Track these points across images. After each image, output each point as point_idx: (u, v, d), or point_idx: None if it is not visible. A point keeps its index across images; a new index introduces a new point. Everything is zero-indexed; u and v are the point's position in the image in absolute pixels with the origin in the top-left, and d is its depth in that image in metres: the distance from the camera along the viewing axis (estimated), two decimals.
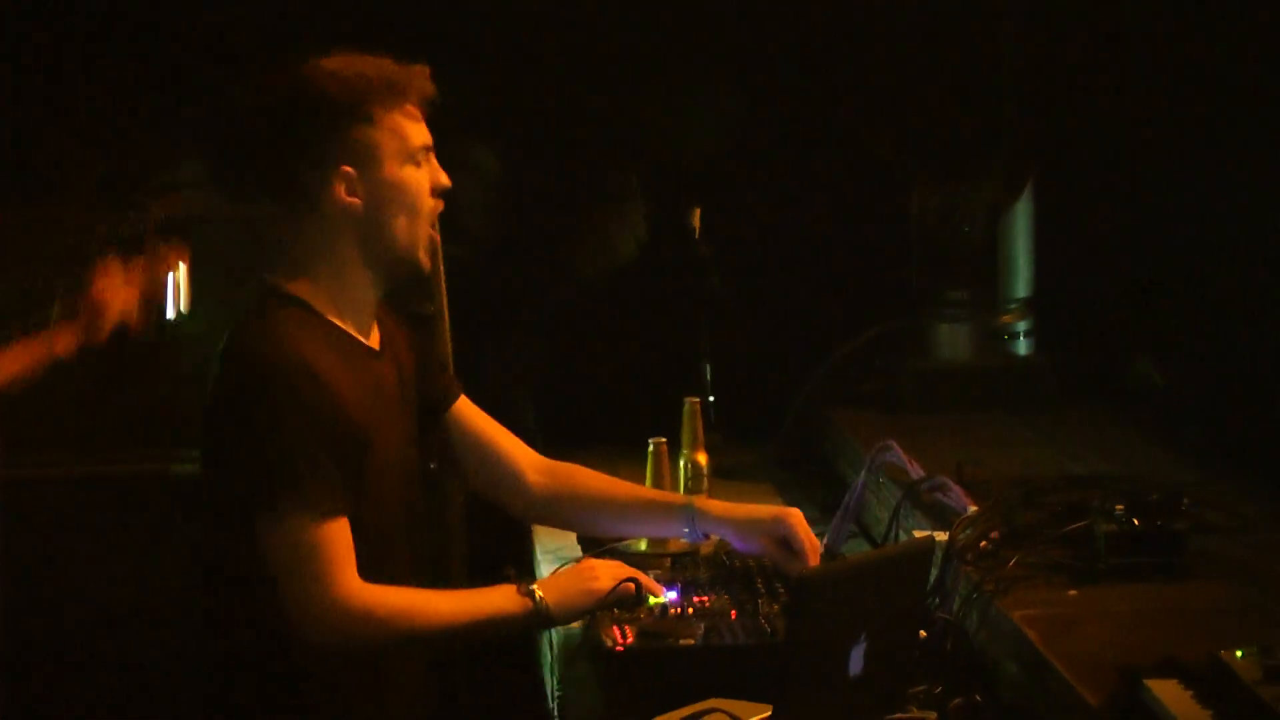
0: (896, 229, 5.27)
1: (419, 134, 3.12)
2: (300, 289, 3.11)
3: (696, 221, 4.93)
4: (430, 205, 3.17)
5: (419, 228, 3.15)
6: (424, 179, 3.14)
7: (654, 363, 5.14)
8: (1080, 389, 5.12)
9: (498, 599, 3.18)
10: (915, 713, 2.88)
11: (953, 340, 5.15)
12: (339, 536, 3.00)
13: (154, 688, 4.87)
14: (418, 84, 3.10)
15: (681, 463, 4.23)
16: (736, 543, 3.60)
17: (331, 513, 2.99)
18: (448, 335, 4.69)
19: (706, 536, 3.67)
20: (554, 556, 4.10)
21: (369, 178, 3.07)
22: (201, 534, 3.19)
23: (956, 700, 3.01)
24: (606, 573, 3.31)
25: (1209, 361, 5.00)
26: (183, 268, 3.81)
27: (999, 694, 3.11)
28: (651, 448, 4.08)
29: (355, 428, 3.05)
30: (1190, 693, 2.72)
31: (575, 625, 3.53)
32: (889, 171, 5.34)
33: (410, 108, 3.11)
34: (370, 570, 3.07)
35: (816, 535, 3.88)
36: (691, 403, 4.31)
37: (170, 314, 3.83)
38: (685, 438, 4.29)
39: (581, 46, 5.45)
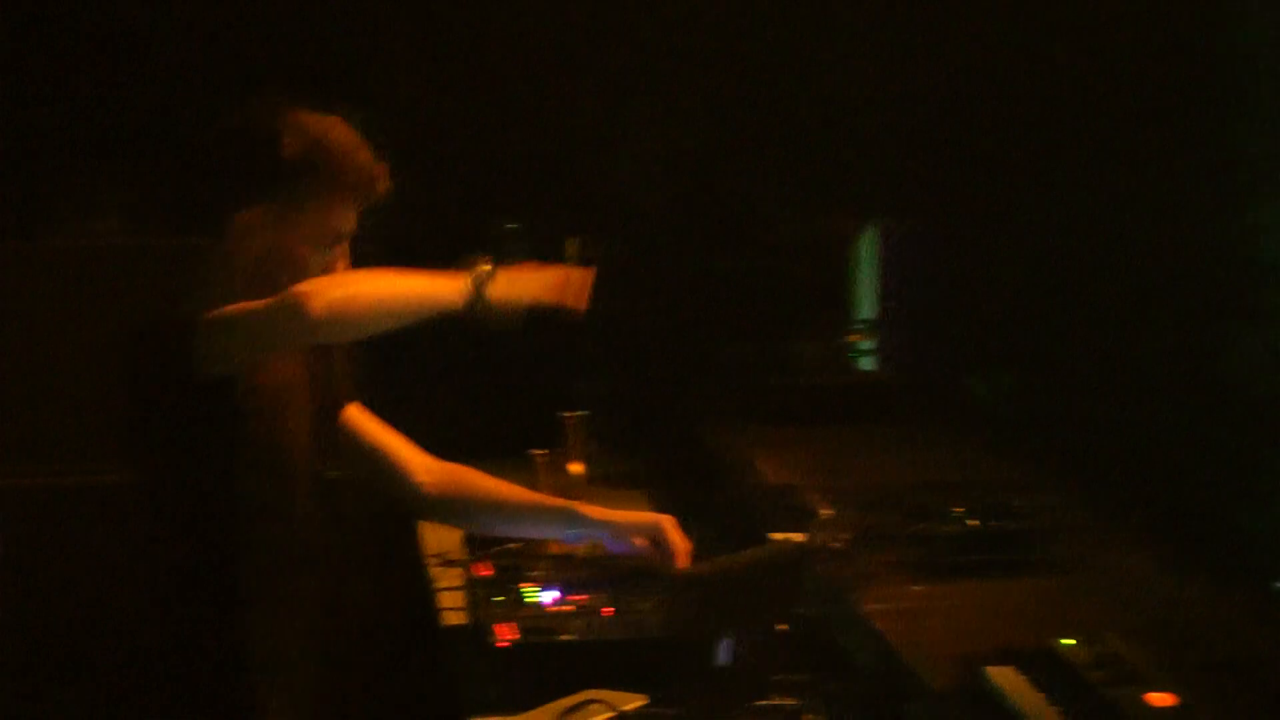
0: (757, 257, 5.31)
1: (344, 221, 3.00)
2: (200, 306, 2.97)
3: (574, 249, 4.94)
4: None
5: None
6: (318, 261, 2.99)
7: (535, 379, 5.15)
8: (921, 403, 5.17)
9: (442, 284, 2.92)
10: (779, 700, 2.90)
11: (805, 358, 5.19)
12: None
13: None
14: (369, 182, 2.99)
15: (561, 473, 4.27)
16: (612, 545, 3.59)
17: None
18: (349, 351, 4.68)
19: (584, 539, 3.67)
20: (439, 560, 4.12)
21: (269, 232, 2.94)
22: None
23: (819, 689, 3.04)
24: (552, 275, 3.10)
25: (1035, 375, 5.09)
26: None
27: (855, 682, 3.15)
28: (534, 460, 4.10)
29: None
30: (1026, 678, 2.78)
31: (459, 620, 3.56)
32: (750, 204, 5.39)
33: (352, 199, 2.99)
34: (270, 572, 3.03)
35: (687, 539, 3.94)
36: (570, 416, 4.34)
37: None
38: (563, 449, 4.32)
39: (464, 96, 5.45)
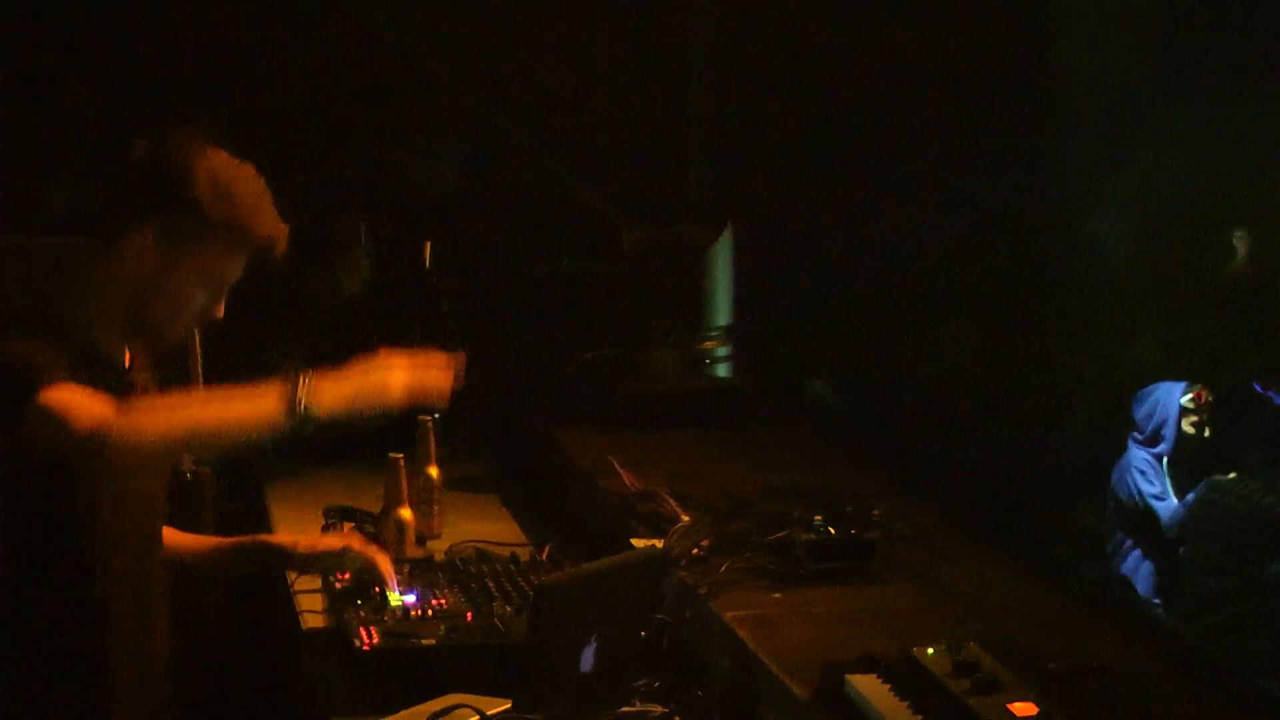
0: (611, 265, 5.29)
1: (230, 270, 2.94)
2: (67, 307, 2.91)
3: (427, 254, 4.91)
4: (189, 322, 2.98)
5: (167, 329, 2.96)
6: (199, 300, 2.93)
7: None
8: (773, 408, 5.18)
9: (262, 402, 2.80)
10: (644, 706, 2.87)
11: (660, 365, 5.18)
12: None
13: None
14: (269, 242, 2.93)
15: (416, 476, 4.21)
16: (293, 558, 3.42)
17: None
18: (199, 356, 4.60)
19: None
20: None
21: (157, 259, 2.87)
22: None
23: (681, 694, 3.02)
24: (398, 378, 2.92)
25: (879, 381, 5.13)
26: None
27: (715, 688, 3.13)
28: (390, 462, 4.03)
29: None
30: (888, 686, 2.77)
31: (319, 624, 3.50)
32: (601, 215, 5.38)
33: (244, 252, 2.93)
34: (98, 576, 2.92)
35: (540, 544, 3.92)
36: (424, 420, 4.29)
37: None
38: (419, 453, 4.26)
39: (319, 103, 5.38)
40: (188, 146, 2.90)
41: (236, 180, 2.92)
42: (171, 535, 3.31)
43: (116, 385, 2.94)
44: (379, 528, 4.01)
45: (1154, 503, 6.17)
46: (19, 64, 5.14)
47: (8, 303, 2.99)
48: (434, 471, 4.28)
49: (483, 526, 4.34)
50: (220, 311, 2.99)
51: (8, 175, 4.91)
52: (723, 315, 5.27)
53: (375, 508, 4.15)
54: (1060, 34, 4.53)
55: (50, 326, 2.87)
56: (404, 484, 4.02)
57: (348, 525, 4.11)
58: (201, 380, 4.65)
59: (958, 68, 4.73)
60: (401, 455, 4.03)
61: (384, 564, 3.43)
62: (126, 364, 3.06)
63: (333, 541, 3.44)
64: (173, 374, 4.42)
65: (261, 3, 5.40)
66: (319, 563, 3.41)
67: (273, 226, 2.95)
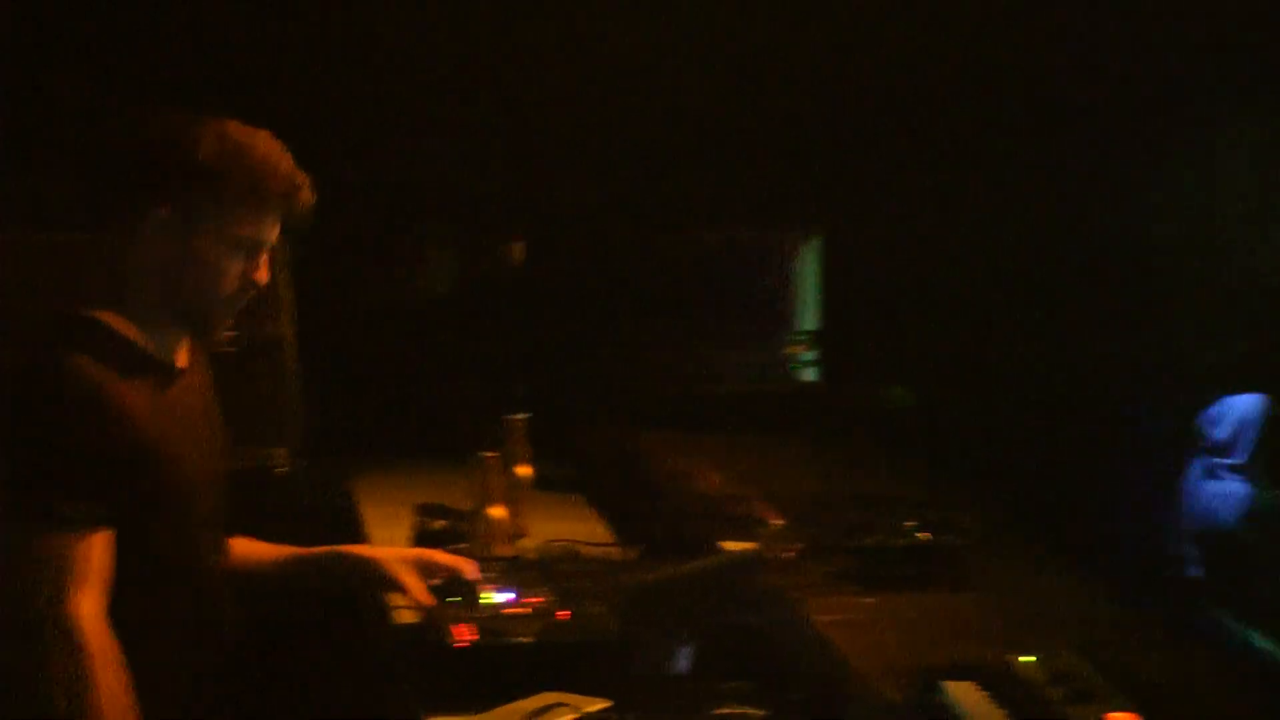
0: (698, 268, 5.28)
1: (258, 230, 2.86)
2: (104, 311, 2.85)
3: (518, 254, 4.90)
4: (231, 291, 2.89)
5: (215, 301, 2.88)
6: (235, 267, 2.86)
7: (478, 382, 5.09)
8: (856, 413, 5.15)
9: None
10: (741, 709, 2.84)
11: (748, 368, 5.16)
12: (84, 553, 2.70)
13: None
14: (290, 191, 2.85)
15: (506, 475, 4.20)
16: (379, 577, 3.37)
17: (82, 526, 2.70)
18: (295, 356, 4.62)
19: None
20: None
21: (182, 233, 2.81)
22: None
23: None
24: None
25: (962, 388, 5.09)
26: None
27: (807, 692, 3.10)
28: (482, 461, 4.02)
29: (140, 443, 2.78)
30: (985, 693, 2.74)
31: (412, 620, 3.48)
32: (689, 219, 5.37)
33: (269, 209, 2.85)
34: (156, 579, 2.85)
35: (627, 544, 3.89)
36: (514, 420, 4.28)
37: None
38: (509, 452, 4.26)
39: (400, 107, 5.38)
40: (188, 119, 2.82)
41: (244, 139, 2.83)
42: (245, 545, 3.29)
43: (166, 385, 2.91)
44: (470, 525, 4.01)
45: (1230, 515, 6.09)
46: (20, 57, 5.15)
47: (42, 308, 2.96)
48: (523, 470, 4.28)
49: (570, 526, 4.32)
50: (264, 276, 2.90)
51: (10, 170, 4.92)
52: (810, 319, 5.23)
53: (464, 505, 4.15)
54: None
55: (91, 333, 2.82)
56: (496, 482, 4.01)
57: (439, 521, 4.11)
58: (294, 377, 4.67)
59: (1051, 72, 4.69)
60: (494, 454, 4.02)
61: (470, 571, 3.42)
62: (182, 363, 2.99)
63: (407, 553, 3.40)
64: (263, 368, 4.46)
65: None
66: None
67: (290, 177, 2.86)
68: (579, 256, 5.48)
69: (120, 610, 2.77)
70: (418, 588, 3.34)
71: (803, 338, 5.19)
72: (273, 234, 2.90)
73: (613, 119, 5.50)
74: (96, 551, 2.71)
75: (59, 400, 2.70)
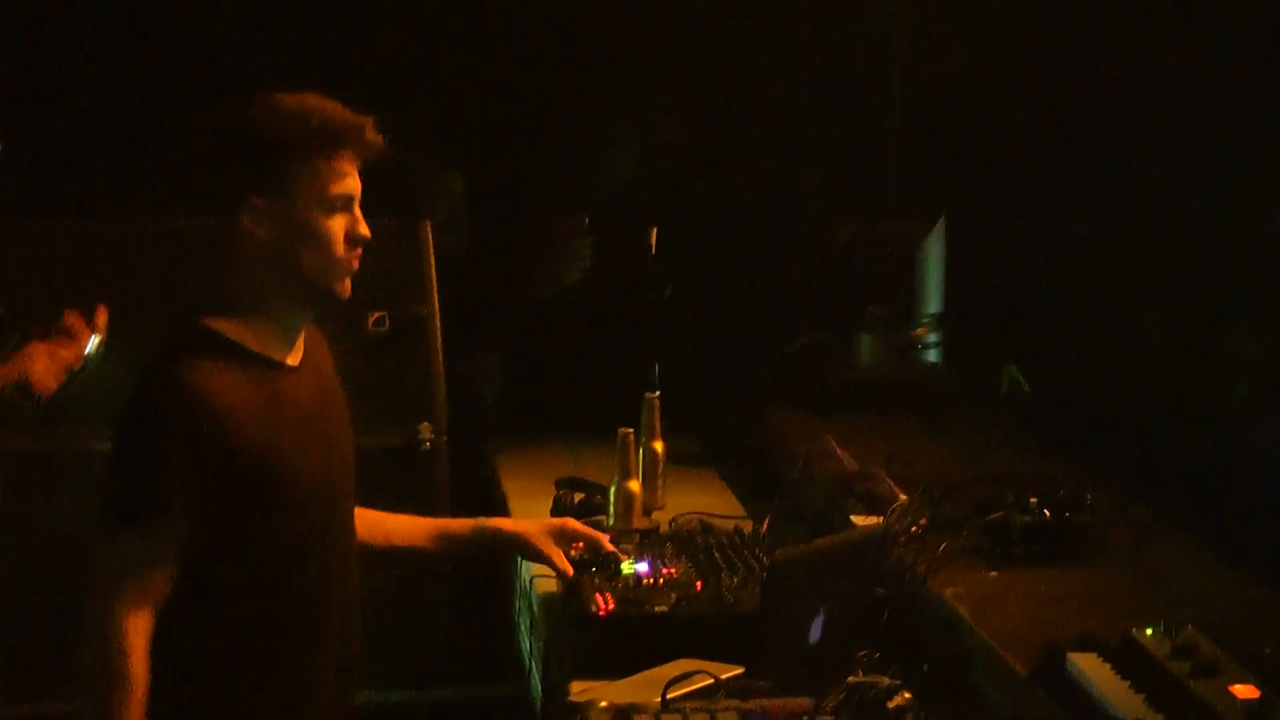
0: (826, 253, 5.29)
1: (342, 184, 2.81)
2: (215, 319, 2.81)
3: (653, 240, 4.94)
4: (342, 252, 2.83)
5: (331, 264, 2.82)
6: (337, 226, 2.81)
7: (612, 362, 5.13)
8: (978, 394, 5.14)
9: None
10: (872, 677, 2.86)
11: (873, 350, 5.16)
12: (151, 566, 2.70)
13: None
14: (356, 135, 2.81)
15: (642, 450, 4.24)
16: (524, 548, 3.44)
17: (158, 539, 2.70)
18: (439, 336, 4.68)
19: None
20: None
21: (278, 213, 2.78)
22: None
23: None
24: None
25: (1079, 370, 5.05)
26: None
27: (935, 662, 3.11)
28: (620, 437, 4.07)
29: (255, 453, 2.75)
30: (1109, 666, 2.74)
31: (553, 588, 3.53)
32: (818, 205, 5.39)
33: (343, 158, 2.81)
34: (275, 578, 2.83)
35: (759, 518, 3.91)
36: (651, 397, 4.32)
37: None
38: (644, 428, 4.30)
39: (537, 101, 5.43)
40: (237, 106, 2.81)
41: (297, 105, 2.79)
42: (393, 519, 3.31)
43: (278, 385, 2.86)
44: (607, 498, 4.06)
45: None
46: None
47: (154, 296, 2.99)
48: (659, 446, 4.32)
49: (703, 500, 4.36)
50: (365, 229, 2.85)
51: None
52: (933, 303, 5.22)
53: (601, 479, 4.20)
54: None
55: (208, 342, 2.79)
56: (634, 458, 4.05)
57: (578, 495, 4.16)
58: (438, 355, 4.73)
59: (1168, 58, 4.64)
60: (631, 430, 4.07)
61: (604, 543, 3.47)
62: (294, 361, 2.92)
63: (552, 523, 3.47)
64: (408, 347, 4.52)
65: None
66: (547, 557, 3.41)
67: (354, 122, 2.81)
68: (716, 246, 5.51)
69: (232, 616, 2.79)
70: (559, 557, 3.39)
71: (927, 321, 5.17)
72: (357, 184, 2.85)
73: (741, 116, 5.52)
74: (161, 570, 2.71)
75: (166, 413, 2.70)
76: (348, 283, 2.86)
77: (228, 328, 2.81)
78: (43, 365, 3.07)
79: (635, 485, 4.03)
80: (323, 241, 2.80)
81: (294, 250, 2.79)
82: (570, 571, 3.40)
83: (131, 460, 2.72)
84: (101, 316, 3.21)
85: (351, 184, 2.83)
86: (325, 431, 2.95)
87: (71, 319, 3.20)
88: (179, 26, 5.22)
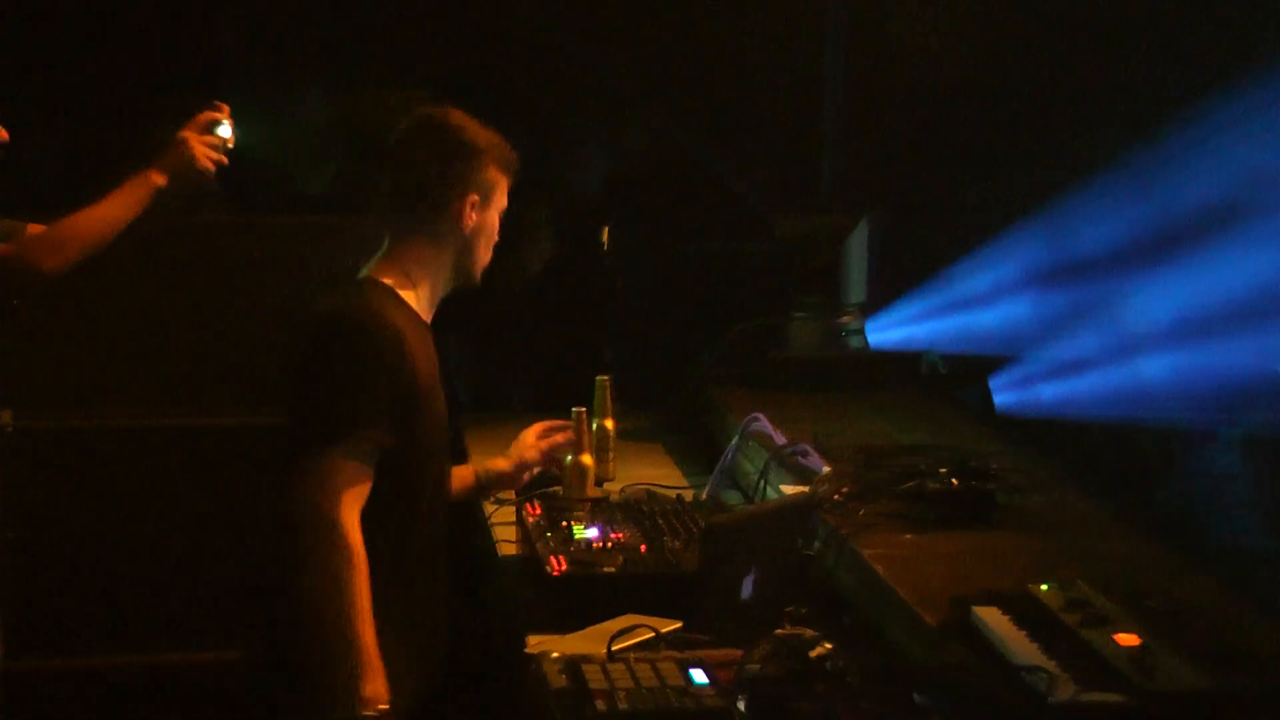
0: (763, 248, 5.32)
1: (505, 193, 3.13)
2: (388, 278, 3.02)
3: (605, 237, 4.95)
4: (491, 250, 3.15)
5: (486, 257, 3.12)
6: (496, 229, 3.13)
7: (568, 347, 5.14)
8: (899, 375, 5.17)
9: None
10: (795, 630, 2.88)
11: (804, 335, 5.19)
12: (363, 479, 2.86)
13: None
14: (515, 161, 3.12)
15: (595, 427, 4.26)
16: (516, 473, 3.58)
17: (367, 457, 2.87)
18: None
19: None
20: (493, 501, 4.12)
21: (481, 211, 3.06)
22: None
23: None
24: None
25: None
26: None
27: (856, 616, 3.14)
28: (574, 415, 4.08)
29: (419, 385, 2.95)
30: (1009, 617, 2.77)
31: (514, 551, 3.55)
32: (756, 204, 5.40)
33: (509, 176, 3.12)
34: (417, 494, 2.99)
35: (697, 489, 3.94)
36: (602, 379, 4.33)
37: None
38: (597, 407, 4.31)
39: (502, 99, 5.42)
40: (443, 106, 3.07)
41: (474, 124, 3.07)
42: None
43: (428, 340, 3.05)
44: (563, 470, 4.07)
45: None
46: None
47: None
48: (609, 423, 4.33)
49: (650, 471, 4.37)
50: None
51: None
52: (858, 293, 5.25)
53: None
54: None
55: (387, 294, 2.99)
56: (587, 433, 4.07)
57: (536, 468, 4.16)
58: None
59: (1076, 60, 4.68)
60: (584, 409, 4.08)
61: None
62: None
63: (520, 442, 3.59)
64: None
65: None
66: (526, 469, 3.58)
67: (511, 149, 3.11)
68: (665, 240, 5.52)
69: (382, 530, 2.89)
70: (532, 453, 3.55)
71: (852, 309, 5.20)
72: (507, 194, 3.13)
73: (689, 123, 5.53)
74: (366, 476, 2.86)
75: (373, 344, 2.87)
76: (480, 276, 3.14)
77: (402, 286, 3.02)
78: (199, 149, 3.37)
79: (588, 459, 4.03)
80: (491, 238, 3.11)
81: (475, 243, 3.07)
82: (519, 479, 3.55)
83: (347, 383, 2.87)
84: (225, 111, 3.49)
85: (506, 194, 3.13)
86: (439, 384, 3.12)
87: (209, 114, 3.46)
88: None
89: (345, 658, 2.78)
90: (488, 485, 3.57)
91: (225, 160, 3.42)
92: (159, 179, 3.36)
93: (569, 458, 4.02)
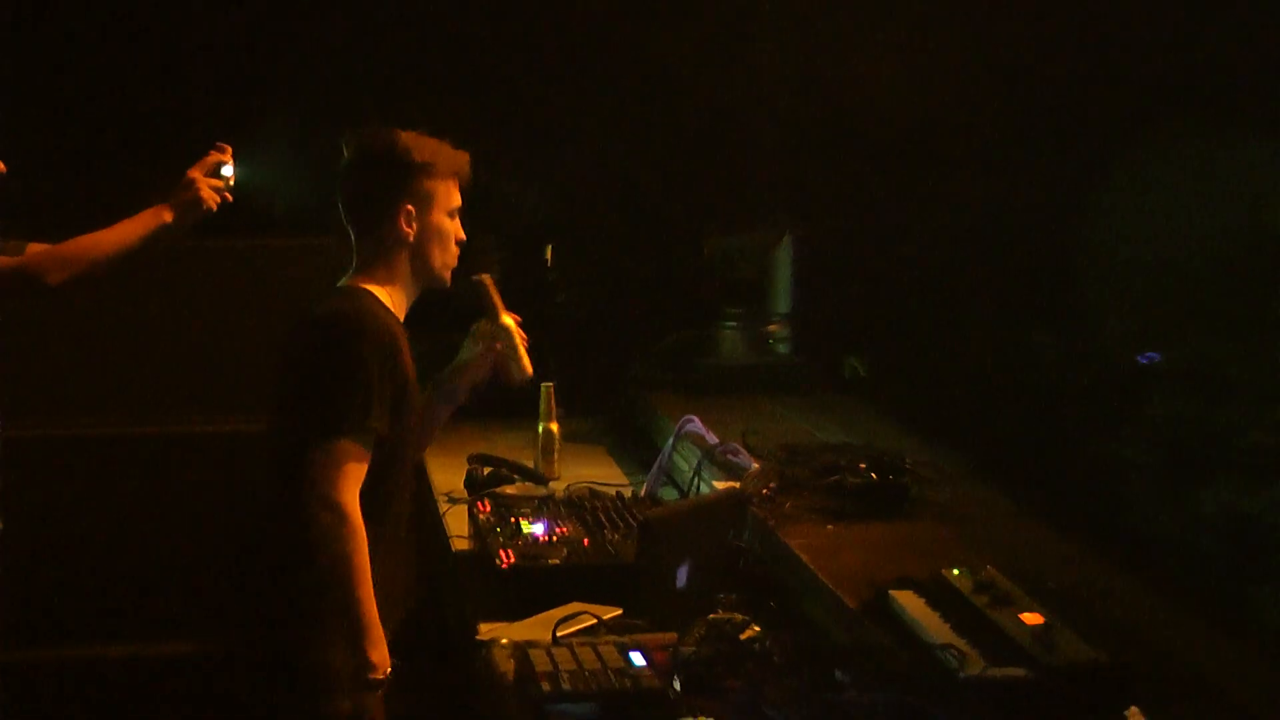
0: (693, 263, 5.34)
1: (455, 198, 3.13)
2: (366, 285, 3.07)
3: (549, 255, 4.97)
4: (452, 248, 3.14)
5: (447, 260, 3.13)
6: (452, 231, 3.12)
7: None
8: (822, 380, 5.21)
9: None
10: (726, 614, 2.91)
11: (733, 343, 5.22)
12: (364, 465, 2.92)
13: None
14: (462, 164, 3.13)
15: (540, 430, 4.28)
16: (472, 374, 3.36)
17: (369, 445, 2.92)
18: None
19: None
20: (446, 498, 4.13)
21: (422, 217, 3.07)
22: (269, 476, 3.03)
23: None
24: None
25: (905, 356, 5.13)
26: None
27: (783, 601, 3.17)
28: (543, 389, 4.25)
29: (408, 380, 3.01)
30: (923, 600, 2.81)
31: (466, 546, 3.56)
32: (685, 222, 5.43)
33: (454, 178, 3.13)
34: (395, 486, 3.04)
35: (636, 486, 3.96)
36: (547, 386, 4.35)
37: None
38: (542, 412, 4.33)
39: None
40: (386, 130, 3.10)
41: (422, 138, 3.10)
42: None
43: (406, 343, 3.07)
44: (512, 471, 4.10)
45: None
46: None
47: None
48: (554, 426, 4.34)
49: (593, 470, 4.39)
50: (463, 233, 3.14)
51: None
52: (783, 304, 5.29)
53: (508, 455, 4.24)
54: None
55: (373, 298, 3.04)
56: (553, 405, 4.29)
57: (488, 469, 4.18)
58: None
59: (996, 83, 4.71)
60: (553, 384, 4.27)
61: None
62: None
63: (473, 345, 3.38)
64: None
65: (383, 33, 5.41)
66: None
67: (462, 153, 3.14)
68: (603, 257, 5.52)
69: (366, 503, 2.92)
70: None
71: (778, 319, 5.24)
72: (459, 197, 3.15)
73: (625, 149, 5.52)
74: (367, 461, 2.92)
75: (372, 343, 2.93)
76: (449, 274, 3.15)
77: (379, 291, 3.07)
78: (205, 190, 3.40)
79: (555, 426, 4.22)
80: (445, 241, 3.11)
81: (424, 247, 3.08)
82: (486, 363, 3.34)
83: (353, 379, 2.91)
84: (229, 153, 3.52)
85: (459, 197, 3.15)
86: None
87: (214, 155, 3.48)
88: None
89: (355, 628, 2.85)
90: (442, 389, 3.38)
91: (230, 198, 3.47)
92: (168, 215, 3.37)
93: (540, 427, 4.16)
